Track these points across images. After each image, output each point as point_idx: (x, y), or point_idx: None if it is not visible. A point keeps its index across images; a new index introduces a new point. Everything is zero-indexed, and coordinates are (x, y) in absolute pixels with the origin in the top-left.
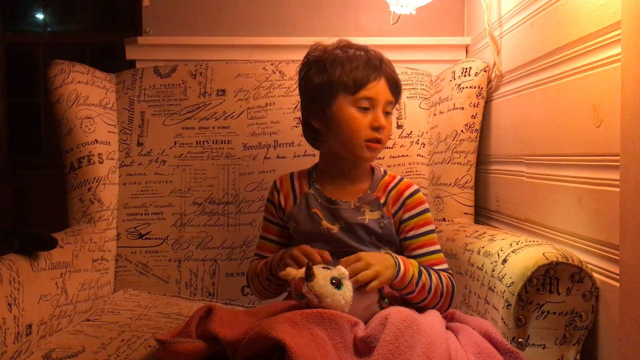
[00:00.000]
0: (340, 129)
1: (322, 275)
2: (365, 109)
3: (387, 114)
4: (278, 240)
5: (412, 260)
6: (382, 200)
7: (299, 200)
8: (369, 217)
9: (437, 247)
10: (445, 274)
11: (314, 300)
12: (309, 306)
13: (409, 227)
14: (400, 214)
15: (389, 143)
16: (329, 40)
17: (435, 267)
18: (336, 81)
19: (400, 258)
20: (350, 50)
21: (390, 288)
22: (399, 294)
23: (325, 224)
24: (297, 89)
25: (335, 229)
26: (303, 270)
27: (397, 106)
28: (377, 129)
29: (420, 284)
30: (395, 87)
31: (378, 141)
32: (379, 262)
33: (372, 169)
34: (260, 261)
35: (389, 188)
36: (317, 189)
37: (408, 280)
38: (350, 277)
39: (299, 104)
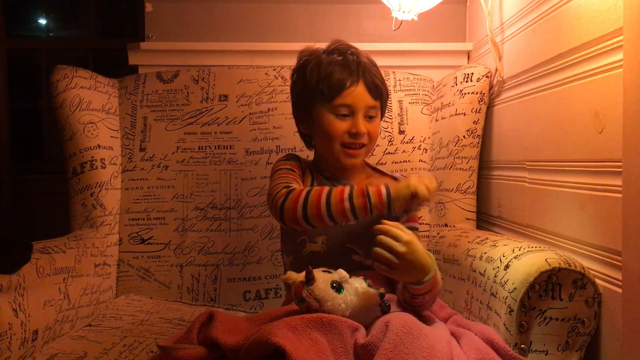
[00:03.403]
0: (320, 135)
1: (323, 279)
2: (345, 116)
3: (371, 117)
4: None
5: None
6: None
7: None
8: None
9: None
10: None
11: (314, 304)
12: (310, 310)
13: (410, 218)
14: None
15: (391, 148)
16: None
17: None
18: (313, 89)
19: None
20: (332, 55)
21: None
22: (409, 293)
23: None
24: None
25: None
26: (303, 273)
27: (399, 111)
28: (354, 135)
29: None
30: (376, 91)
31: (358, 146)
32: (416, 253)
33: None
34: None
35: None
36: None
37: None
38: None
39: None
